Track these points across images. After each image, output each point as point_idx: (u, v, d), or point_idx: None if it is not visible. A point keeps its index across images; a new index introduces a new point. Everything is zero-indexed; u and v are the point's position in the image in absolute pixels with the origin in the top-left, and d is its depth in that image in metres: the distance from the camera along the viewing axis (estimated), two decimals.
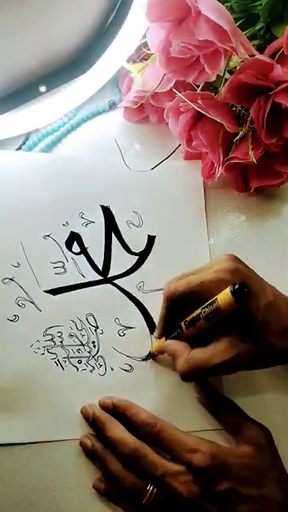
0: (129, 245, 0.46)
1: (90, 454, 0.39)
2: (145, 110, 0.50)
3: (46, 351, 0.42)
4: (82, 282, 0.44)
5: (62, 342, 0.42)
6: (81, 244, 0.45)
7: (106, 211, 0.47)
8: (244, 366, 0.38)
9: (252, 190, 0.47)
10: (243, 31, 0.42)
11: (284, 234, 0.48)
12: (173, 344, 0.40)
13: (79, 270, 0.45)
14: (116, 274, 0.45)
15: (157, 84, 0.45)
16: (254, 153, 0.42)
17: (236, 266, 0.38)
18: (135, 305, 0.44)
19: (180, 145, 0.48)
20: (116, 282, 0.45)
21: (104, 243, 0.46)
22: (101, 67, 0.46)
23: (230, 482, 0.36)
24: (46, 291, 0.44)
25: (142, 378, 0.42)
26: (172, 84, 0.45)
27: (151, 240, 0.46)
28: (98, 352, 0.43)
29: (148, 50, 0.44)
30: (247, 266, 0.39)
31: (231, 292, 0.35)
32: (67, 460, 0.40)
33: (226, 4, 0.44)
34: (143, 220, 0.47)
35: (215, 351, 0.37)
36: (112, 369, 0.42)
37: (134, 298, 0.44)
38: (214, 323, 0.37)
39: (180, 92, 0.43)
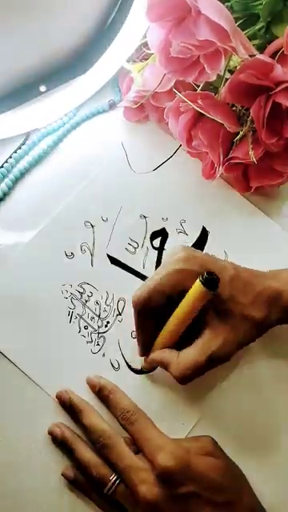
0: None
1: (59, 443, 0.39)
2: (145, 110, 0.50)
3: (70, 297, 0.44)
4: (139, 271, 0.46)
5: (86, 301, 0.44)
6: (163, 243, 0.47)
7: (204, 233, 0.47)
8: (234, 348, 0.38)
9: (253, 190, 0.47)
10: (243, 31, 0.42)
11: (284, 234, 0.48)
12: (159, 354, 0.40)
13: (144, 260, 0.46)
14: None
15: (157, 84, 0.44)
16: (255, 152, 0.42)
17: (188, 253, 0.39)
18: None
19: (181, 145, 0.47)
20: None
21: None
22: (101, 67, 0.46)
23: (193, 486, 0.35)
24: (108, 255, 0.46)
25: (121, 380, 0.42)
26: (172, 84, 0.45)
27: None
28: (105, 332, 0.43)
29: (148, 49, 0.44)
30: (198, 250, 0.41)
31: (201, 282, 0.35)
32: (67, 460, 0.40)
33: (225, 4, 0.44)
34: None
35: (201, 346, 0.37)
36: (104, 355, 0.43)
37: None
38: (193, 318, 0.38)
39: (180, 92, 0.43)
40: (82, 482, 0.38)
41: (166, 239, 0.47)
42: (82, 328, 0.43)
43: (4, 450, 0.40)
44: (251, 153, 0.41)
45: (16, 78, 0.42)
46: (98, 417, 0.39)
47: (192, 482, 0.35)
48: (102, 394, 0.40)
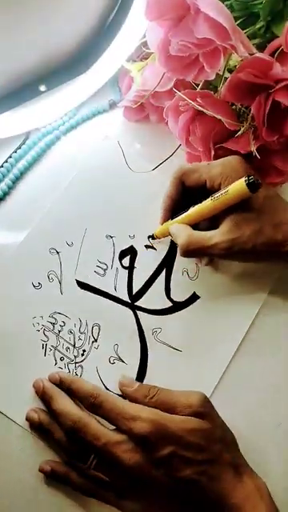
0: (171, 289, 0.45)
1: (36, 427, 0.40)
2: (145, 109, 0.50)
3: (42, 329, 0.43)
4: (111, 293, 0.44)
5: (59, 331, 0.43)
6: (132, 261, 0.46)
7: (172, 248, 0.46)
8: (239, 250, 0.40)
9: None
10: (243, 30, 0.42)
11: None
12: (177, 226, 0.42)
13: (115, 282, 0.45)
14: (143, 306, 0.44)
15: (157, 83, 0.45)
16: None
17: (242, 161, 0.42)
18: (140, 345, 0.43)
19: (180, 145, 0.47)
20: (138, 313, 0.44)
21: (151, 273, 0.45)
22: (101, 67, 0.46)
23: (172, 447, 0.36)
24: (77, 281, 0.44)
25: None
26: (172, 83, 0.45)
27: (193, 298, 0.45)
28: (82, 361, 0.42)
29: (148, 49, 0.44)
30: (251, 166, 0.43)
31: (245, 181, 0.38)
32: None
33: (225, 3, 0.44)
34: (199, 276, 0.46)
35: (215, 232, 0.41)
36: None
37: (144, 338, 0.44)
38: (221, 212, 0.40)
39: (180, 91, 0.43)
40: (60, 470, 0.39)
41: (135, 257, 0.46)
42: (58, 360, 0.42)
43: None
44: (253, 149, 0.41)
45: (16, 78, 0.42)
46: (67, 401, 0.39)
47: (170, 444, 0.36)
48: (64, 386, 0.40)
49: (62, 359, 0.42)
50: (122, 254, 0.46)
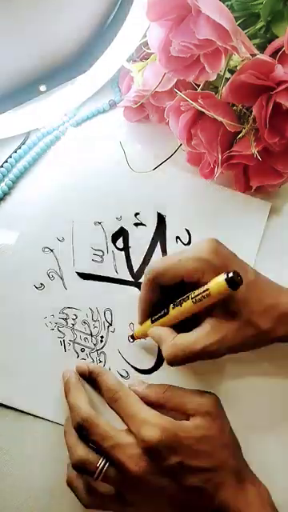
0: None
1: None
2: (145, 110, 0.50)
3: (56, 328, 0.43)
4: (113, 276, 0.45)
5: (73, 325, 0.43)
6: (126, 241, 0.46)
7: (161, 220, 0.47)
8: (229, 348, 0.38)
9: (253, 190, 0.47)
10: (244, 30, 0.42)
11: (284, 233, 0.48)
12: (158, 329, 0.40)
13: (115, 264, 0.45)
14: None
15: (157, 83, 0.44)
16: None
17: (216, 246, 0.39)
18: None
19: (181, 145, 0.47)
20: None
21: (147, 248, 0.46)
22: (101, 67, 0.46)
23: (179, 456, 0.35)
24: (78, 273, 0.44)
25: None
26: (172, 83, 0.44)
27: None
28: (102, 348, 0.43)
29: (148, 49, 0.43)
30: (226, 247, 0.40)
31: (226, 280, 0.35)
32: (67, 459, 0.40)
33: (226, 3, 0.44)
34: (192, 239, 0.46)
35: (199, 335, 0.37)
36: (109, 369, 0.42)
37: None
38: (201, 310, 0.37)
39: (180, 91, 0.43)
40: (69, 480, 0.38)
41: (127, 237, 0.46)
42: (79, 351, 0.42)
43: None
44: (254, 150, 0.41)
45: (16, 77, 0.42)
46: (82, 397, 0.39)
47: (177, 454, 0.35)
48: (91, 378, 0.40)
49: (83, 350, 0.43)
50: (114, 237, 0.46)
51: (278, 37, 0.44)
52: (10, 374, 0.41)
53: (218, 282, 0.36)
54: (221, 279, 0.35)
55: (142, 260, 0.45)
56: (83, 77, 0.45)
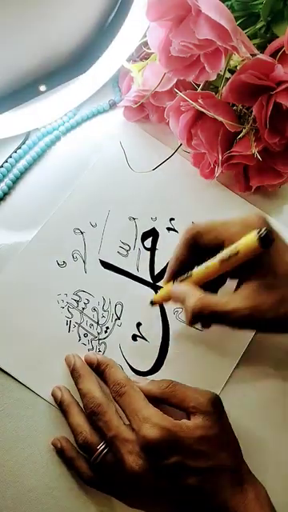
0: None
1: (58, 404, 0.40)
2: (145, 110, 0.50)
3: (66, 307, 0.44)
4: (133, 273, 0.45)
5: (83, 308, 0.44)
6: (154, 242, 0.47)
7: None
8: (259, 319, 0.36)
9: (253, 190, 0.47)
10: (244, 30, 0.42)
11: (284, 233, 0.48)
12: (182, 286, 0.38)
13: (138, 262, 0.46)
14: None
15: (157, 83, 0.44)
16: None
17: (265, 219, 0.37)
18: (162, 324, 0.44)
19: (181, 144, 0.47)
20: None
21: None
22: (101, 67, 0.46)
23: (179, 456, 0.35)
24: (101, 261, 0.45)
25: None
26: (172, 83, 0.44)
27: None
28: (105, 338, 0.43)
29: (148, 49, 0.43)
30: (273, 225, 0.38)
31: (257, 236, 0.33)
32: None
33: (226, 3, 0.44)
34: None
35: (233, 297, 0.36)
36: None
37: (166, 318, 0.44)
38: (229, 271, 0.36)
39: (180, 91, 0.43)
40: (68, 452, 0.39)
41: (157, 239, 0.47)
42: (82, 336, 0.43)
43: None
44: (254, 150, 0.41)
45: (16, 77, 0.42)
46: (94, 383, 0.39)
47: (177, 453, 0.35)
48: (99, 369, 0.41)
49: (86, 335, 0.43)
50: (144, 236, 0.47)
51: (278, 37, 0.44)
52: (12, 342, 0.42)
53: (249, 238, 0.34)
54: (252, 235, 0.34)
55: (164, 265, 0.46)
56: (83, 77, 0.45)
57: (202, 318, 0.36)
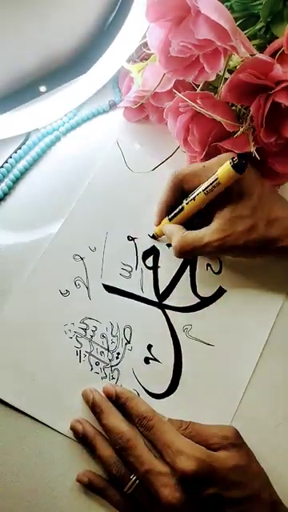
0: (197, 285, 0.45)
1: (80, 438, 0.39)
2: (145, 110, 0.50)
3: (74, 337, 0.42)
4: (139, 294, 0.45)
5: (92, 336, 0.43)
6: (156, 261, 0.46)
7: None
8: (231, 247, 0.41)
9: None
10: (243, 31, 0.42)
11: None
12: (170, 226, 0.43)
13: (142, 282, 0.45)
14: (171, 304, 0.45)
15: (157, 84, 0.45)
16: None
17: (236, 153, 0.41)
18: (173, 343, 0.44)
19: (179, 146, 0.47)
20: (167, 311, 0.44)
21: (176, 271, 0.46)
22: (101, 67, 0.46)
23: (216, 488, 0.35)
24: (104, 285, 0.44)
25: None
26: (172, 84, 0.45)
27: (220, 292, 0.46)
28: (117, 364, 0.42)
29: (148, 49, 0.44)
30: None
31: (232, 163, 0.38)
32: (67, 459, 0.40)
33: (225, 4, 0.44)
34: (223, 270, 0.46)
35: (207, 231, 0.41)
36: (121, 385, 0.42)
37: (176, 336, 0.44)
38: (213, 200, 0.41)
39: (180, 92, 0.43)
40: (97, 484, 0.38)
41: (158, 256, 0.46)
42: (94, 365, 0.42)
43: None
44: (253, 149, 0.41)
45: (16, 78, 0.42)
46: (118, 418, 0.39)
47: (213, 485, 0.35)
48: (118, 402, 0.40)
49: (98, 364, 0.42)
50: (145, 255, 0.46)
51: (277, 37, 0.44)
52: (22, 376, 0.41)
53: (224, 167, 0.39)
54: (227, 164, 0.39)
55: (169, 282, 0.45)
56: (83, 77, 0.45)
57: (185, 253, 0.42)
